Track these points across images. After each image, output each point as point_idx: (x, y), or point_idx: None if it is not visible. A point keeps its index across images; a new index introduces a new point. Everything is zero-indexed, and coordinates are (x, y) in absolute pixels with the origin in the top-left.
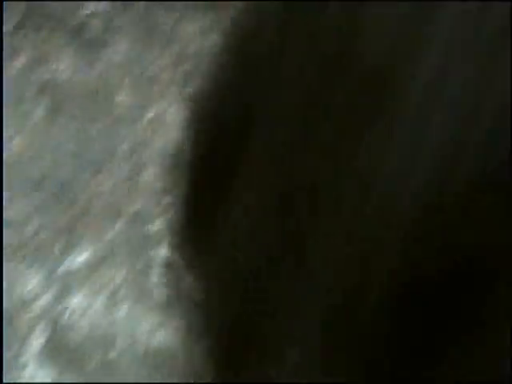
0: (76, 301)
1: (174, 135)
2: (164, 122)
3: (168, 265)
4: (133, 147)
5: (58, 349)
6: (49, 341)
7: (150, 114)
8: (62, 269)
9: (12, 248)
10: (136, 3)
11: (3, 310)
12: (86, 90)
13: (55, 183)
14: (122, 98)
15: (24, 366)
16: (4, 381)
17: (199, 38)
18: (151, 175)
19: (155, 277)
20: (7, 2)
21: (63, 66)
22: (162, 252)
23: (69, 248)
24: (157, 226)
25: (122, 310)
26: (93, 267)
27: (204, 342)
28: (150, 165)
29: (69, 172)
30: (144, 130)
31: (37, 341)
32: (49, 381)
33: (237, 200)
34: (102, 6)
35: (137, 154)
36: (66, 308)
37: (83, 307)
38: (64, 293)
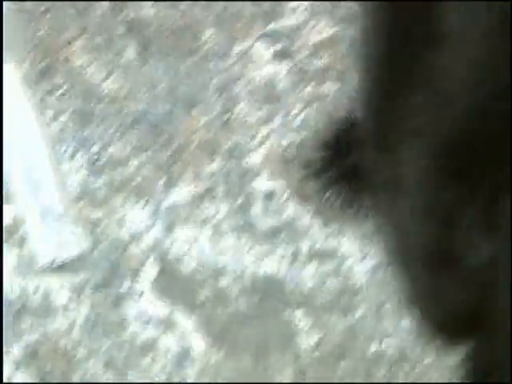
0: (182, 234)
1: (262, 69)
2: (251, 58)
3: (270, 196)
4: (224, 82)
5: (170, 280)
6: (160, 273)
7: (237, 50)
8: (165, 204)
9: (117, 185)
10: None
11: (115, 242)
12: (172, 28)
13: (152, 120)
14: (208, 34)
15: (139, 296)
16: (121, 313)
17: None
18: (245, 109)
19: (258, 208)
20: None
21: (147, 4)
22: (262, 184)
23: (171, 183)
24: (254, 158)
25: (228, 242)
26: (195, 202)
27: None
28: (243, 99)
29: (164, 109)
30: (233, 66)
31: (149, 273)
32: (165, 311)
33: None
34: None
35: (228, 89)
36: (174, 241)
37: (190, 240)
38: (170, 227)
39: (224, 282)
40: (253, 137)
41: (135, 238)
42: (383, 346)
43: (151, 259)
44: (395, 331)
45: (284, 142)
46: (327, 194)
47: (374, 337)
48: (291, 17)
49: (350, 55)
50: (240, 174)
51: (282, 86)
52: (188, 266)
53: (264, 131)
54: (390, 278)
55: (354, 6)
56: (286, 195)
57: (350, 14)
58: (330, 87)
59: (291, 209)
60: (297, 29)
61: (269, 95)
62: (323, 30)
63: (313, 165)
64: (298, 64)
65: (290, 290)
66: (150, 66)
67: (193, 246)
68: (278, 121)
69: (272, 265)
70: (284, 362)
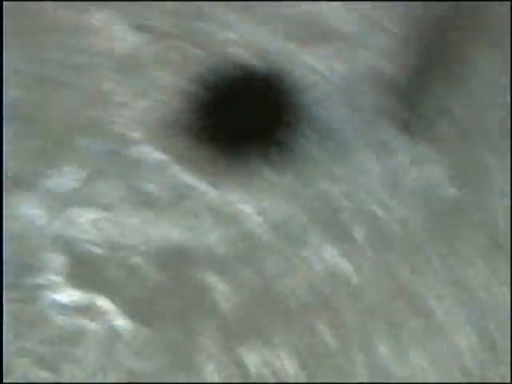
0: (83, 219)
1: (122, 42)
2: (109, 31)
3: (161, 167)
4: (86, 59)
5: (81, 266)
6: (70, 261)
7: (93, 22)
8: (58, 190)
9: (9, 179)
10: None
11: (16, 239)
12: (27, 13)
13: (23, 109)
14: (51, 9)
15: (54, 288)
16: (41, 307)
17: None
18: (113, 84)
19: (152, 181)
20: None
21: None
22: (152, 156)
23: (57, 169)
24: (137, 132)
25: (131, 219)
26: (87, 184)
27: None
28: (108, 74)
29: (33, 96)
30: (93, 41)
31: (58, 263)
32: (83, 298)
33: None
34: None
35: (92, 66)
36: (75, 227)
37: (91, 224)
38: (68, 213)
39: (136, 259)
40: (130, 110)
41: (35, 230)
42: (301, 297)
43: (57, 248)
44: (310, 281)
45: (161, 111)
46: (215, 158)
47: (288, 289)
48: None
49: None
50: (125, 149)
51: (145, 55)
52: (96, 249)
53: (139, 103)
54: (293, 232)
55: None
56: (175, 163)
57: None
58: (194, 51)
59: (184, 177)
60: None
61: (134, 67)
62: None
63: (193, 130)
64: (158, 30)
65: (201, 256)
66: (7, 52)
67: (96, 228)
68: (150, 91)
69: (178, 234)
70: (209, 327)
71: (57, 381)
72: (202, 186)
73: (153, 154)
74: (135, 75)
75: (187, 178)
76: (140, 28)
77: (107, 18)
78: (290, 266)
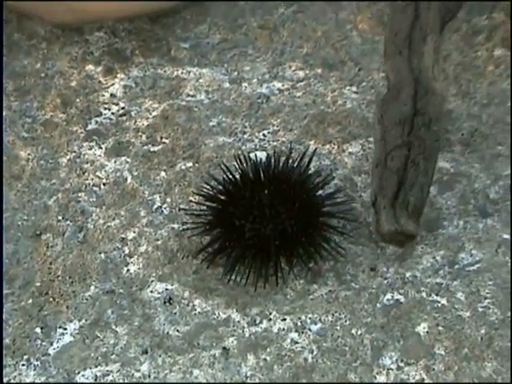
0: (90, 379)
1: (102, 170)
2: (84, 162)
3: (170, 300)
4: (64, 198)
5: None
6: None
7: (64, 160)
8: (53, 354)
9: None
10: None
11: None
12: None
13: None
14: (25, 156)
15: None
16: None
17: None
18: (100, 218)
19: (162, 319)
20: None
21: None
22: (155, 290)
23: (49, 328)
24: (135, 265)
25: (143, 367)
26: (86, 338)
27: None
28: (93, 208)
29: (7, 251)
30: (67, 177)
31: None
32: None
33: None
34: None
35: (73, 203)
36: None
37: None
38: (70, 377)
39: None
40: (123, 243)
41: None
42: None
43: None
44: None
45: (159, 238)
46: (228, 277)
47: None
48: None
49: (191, 127)
50: (126, 287)
51: (131, 180)
52: None
53: (131, 233)
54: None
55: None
56: (186, 293)
57: (172, 85)
58: (183, 167)
59: (199, 306)
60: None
61: (122, 194)
62: (150, 110)
63: (200, 251)
64: (139, 153)
65: None
66: None
67: None
68: (143, 218)
69: (205, 371)
70: None
71: None
72: (222, 311)
73: (159, 285)
74: (125, 201)
75: (203, 305)
76: (119, 152)
77: (77, 148)
78: None
